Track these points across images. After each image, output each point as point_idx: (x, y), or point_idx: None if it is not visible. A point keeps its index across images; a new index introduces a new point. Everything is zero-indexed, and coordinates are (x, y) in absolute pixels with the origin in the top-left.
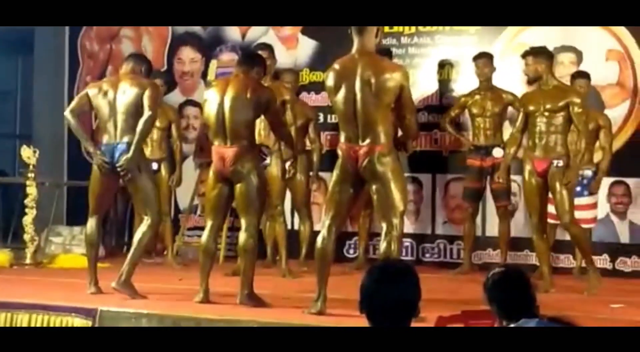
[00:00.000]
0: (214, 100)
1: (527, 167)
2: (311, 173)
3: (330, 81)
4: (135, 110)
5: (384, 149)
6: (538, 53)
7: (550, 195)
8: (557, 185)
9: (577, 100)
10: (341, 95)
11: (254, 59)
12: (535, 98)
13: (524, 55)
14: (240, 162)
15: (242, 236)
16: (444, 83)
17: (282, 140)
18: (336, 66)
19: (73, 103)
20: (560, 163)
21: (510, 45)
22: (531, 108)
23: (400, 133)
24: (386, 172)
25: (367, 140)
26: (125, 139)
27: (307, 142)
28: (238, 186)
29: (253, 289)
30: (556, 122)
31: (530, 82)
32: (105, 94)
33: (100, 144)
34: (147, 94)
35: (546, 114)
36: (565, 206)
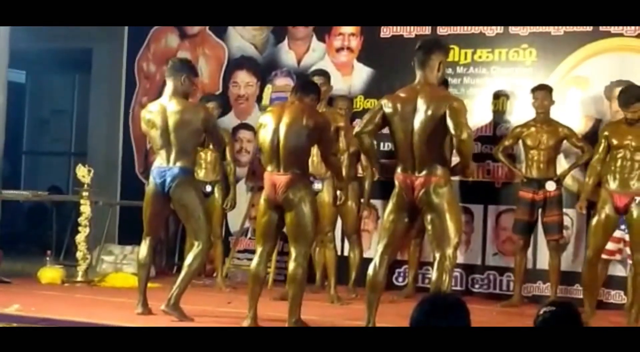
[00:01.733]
0: (269, 126)
1: (603, 200)
2: (362, 200)
3: (387, 109)
4: (189, 137)
5: (440, 180)
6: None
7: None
8: (637, 221)
9: None
10: (398, 125)
11: (309, 86)
12: (620, 132)
13: (632, 102)
14: (292, 190)
15: (291, 265)
16: (499, 114)
17: (329, 168)
18: (396, 95)
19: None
20: None
21: (565, 79)
22: (615, 142)
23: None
24: (442, 203)
25: (424, 171)
26: (179, 163)
27: (359, 169)
28: (289, 215)
29: (300, 317)
30: (639, 158)
31: (631, 125)
32: (155, 120)
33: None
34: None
35: (631, 149)
36: None
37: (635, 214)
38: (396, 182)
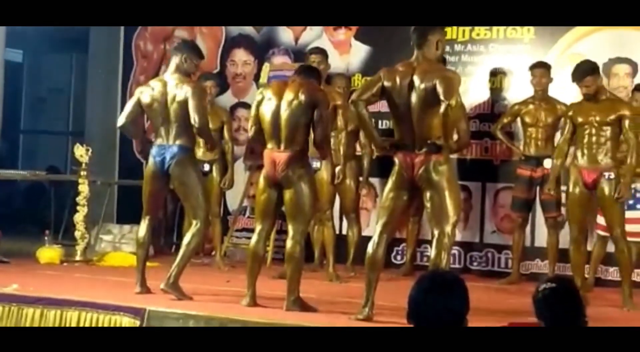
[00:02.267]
0: (270, 102)
1: (573, 177)
2: (361, 178)
3: (387, 83)
4: (184, 110)
5: (440, 158)
6: (594, 70)
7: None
8: (609, 197)
9: (628, 114)
10: (396, 100)
11: (311, 70)
12: (584, 110)
13: (580, 76)
14: (291, 167)
15: (289, 243)
16: (496, 91)
17: (317, 141)
18: (394, 68)
19: (125, 114)
20: (612, 175)
21: (564, 55)
22: (580, 120)
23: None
24: (442, 180)
25: (424, 149)
26: (178, 142)
27: (358, 147)
28: (288, 192)
29: (299, 295)
30: (606, 134)
31: (589, 99)
32: (156, 97)
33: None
34: (191, 101)
35: (595, 125)
36: (616, 219)
37: (606, 190)
38: (396, 160)
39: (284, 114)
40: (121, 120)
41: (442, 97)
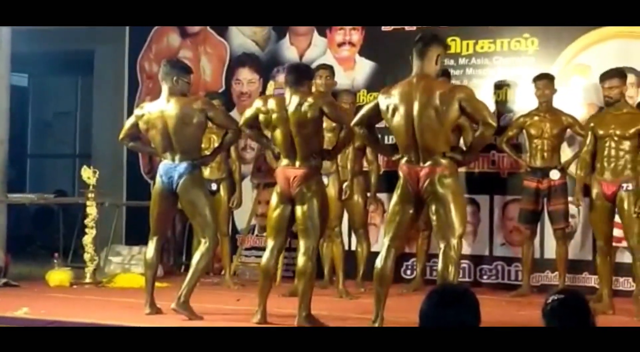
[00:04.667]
0: (279, 116)
1: (595, 190)
2: (369, 194)
3: (383, 104)
4: (189, 133)
5: (445, 170)
6: (622, 75)
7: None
8: (626, 208)
9: None
10: (399, 120)
11: (300, 75)
12: (605, 122)
13: (608, 77)
14: (306, 184)
15: (301, 259)
16: (501, 104)
17: (342, 128)
18: (393, 89)
19: (124, 131)
20: (630, 186)
21: (568, 66)
22: (601, 132)
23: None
24: (447, 193)
25: (429, 162)
26: (185, 160)
27: (365, 163)
28: (300, 208)
29: (310, 311)
30: (626, 147)
31: (609, 104)
32: (154, 123)
33: (158, 163)
34: (213, 114)
35: (616, 138)
36: (634, 230)
37: (625, 201)
38: (400, 174)
39: (295, 129)
40: (121, 135)
41: (478, 118)
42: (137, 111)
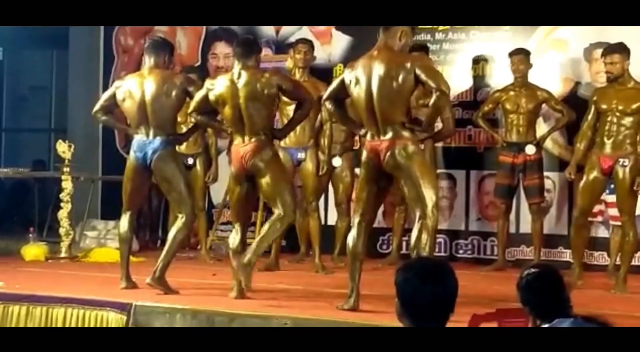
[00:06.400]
0: (226, 98)
1: (590, 163)
2: (357, 170)
3: (347, 78)
4: (166, 107)
5: (405, 142)
6: (624, 50)
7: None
8: (622, 183)
9: None
10: (359, 92)
11: (247, 49)
12: (608, 96)
13: (609, 52)
14: (258, 156)
15: (276, 211)
16: (478, 79)
17: (302, 103)
18: (356, 63)
19: (99, 103)
20: (627, 162)
21: (544, 42)
22: (603, 106)
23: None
24: (410, 164)
25: (389, 135)
26: (159, 136)
27: (357, 141)
28: (262, 180)
29: (256, 259)
30: (627, 123)
31: (610, 80)
32: (133, 94)
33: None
34: (193, 89)
35: (618, 114)
36: (628, 206)
37: (620, 175)
38: (364, 151)
39: (243, 101)
40: (95, 107)
41: (433, 86)
42: (117, 82)
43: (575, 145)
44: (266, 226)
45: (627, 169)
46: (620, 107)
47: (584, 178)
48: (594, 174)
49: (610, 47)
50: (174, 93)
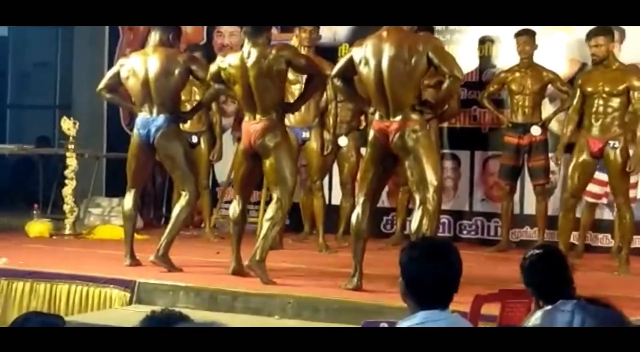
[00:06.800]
0: (238, 70)
1: (579, 145)
2: (363, 150)
3: (356, 57)
4: (170, 85)
5: (415, 125)
6: (608, 32)
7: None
8: (614, 164)
9: (638, 85)
10: (368, 73)
11: (257, 28)
12: (593, 79)
13: (593, 35)
14: (267, 136)
15: (271, 208)
16: (484, 59)
17: (312, 78)
18: (364, 41)
19: (103, 81)
20: (617, 144)
21: None
22: (589, 89)
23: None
24: (417, 147)
25: (399, 117)
26: (163, 113)
27: (363, 120)
28: (267, 161)
29: (264, 260)
30: (614, 104)
31: (596, 63)
32: (136, 71)
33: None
34: (196, 67)
35: (604, 95)
36: (621, 187)
37: (611, 157)
38: (371, 131)
39: (253, 80)
40: (99, 85)
41: (445, 70)
42: (121, 60)
43: (562, 130)
44: (266, 224)
45: (618, 151)
46: (606, 89)
47: (573, 160)
48: (584, 156)
49: (595, 30)
50: (177, 71)
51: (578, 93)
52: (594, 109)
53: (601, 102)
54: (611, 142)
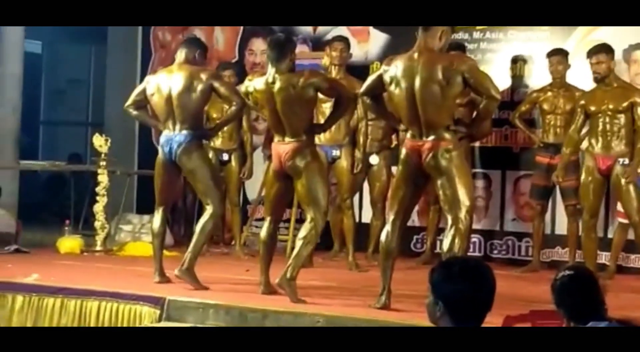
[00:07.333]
0: (265, 96)
1: (588, 164)
2: (394, 168)
3: (386, 76)
4: (192, 102)
5: (448, 145)
6: (609, 50)
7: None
8: (624, 183)
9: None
10: (400, 94)
11: (283, 48)
12: (597, 98)
13: (594, 52)
14: (298, 157)
15: (305, 227)
16: (516, 79)
17: (340, 101)
18: (394, 61)
19: (131, 98)
20: (627, 161)
21: (583, 42)
22: (593, 108)
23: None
24: (450, 167)
25: (432, 136)
26: (184, 129)
27: (394, 139)
28: (298, 182)
29: (296, 279)
30: (620, 122)
31: (598, 80)
32: (160, 88)
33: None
34: (218, 84)
35: (609, 113)
36: (634, 206)
37: (621, 176)
38: (403, 149)
39: (280, 106)
40: (127, 102)
41: (483, 92)
42: (147, 77)
43: (562, 150)
44: (299, 242)
45: (628, 168)
46: (611, 107)
47: (582, 180)
48: (593, 175)
49: (596, 48)
50: (199, 88)
51: (579, 114)
52: (600, 128)
53: (607, 120)
54: (620, 160)
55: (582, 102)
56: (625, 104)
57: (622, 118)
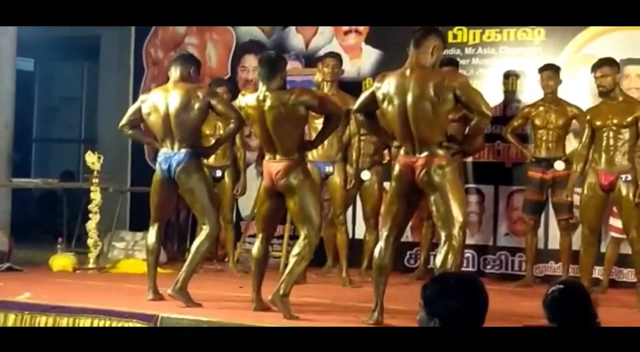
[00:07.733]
0: (255, 114)
1: (590, 180)
2: (386, 184)
3: (379, 93)
4: (190, 120)
5: (441, 161)
6: (613, 63)
7: (614, 209)
8: (626, 199)
9: None
10: (393, 111)
11: (273, 66)
12: (602, 113)
13: (598, 66)
14: (290, 175)
15: (299, 244)
16: (509, 94)
17: (330, 117)
18: (387, 78)
19: (125, 118)
20: (629, 177)
21: (575, 57)
22: (598, 123)
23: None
24: (444, 183)
25: (425, 153)
26: (183, 149)
27: (387, 155)
28: (290, 201)
29: (289, 295)
30: (624, 137)
31: (603, 94)
32: (157, 106)
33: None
34: (216, 102)
35: (614, 128)
36: (633, 221)
37: (623, 192)
38: (396, 166)
39: (271, 123)
40: (121, 122)
41: (475, 109)
42: (142, 96)
43: (572, 167)
44: (293, 259)
45: (630, 184)
46: (615, 121)
47: (584, 196)
48: (594, 190)
49: (600, 61)
50: (196, 106)
51: (587, 129)
52: (604, 143)
53: (611, 134)
54: (623, 176)
55: (588, 117)
56: (629, 119)
57: (626, 133)
